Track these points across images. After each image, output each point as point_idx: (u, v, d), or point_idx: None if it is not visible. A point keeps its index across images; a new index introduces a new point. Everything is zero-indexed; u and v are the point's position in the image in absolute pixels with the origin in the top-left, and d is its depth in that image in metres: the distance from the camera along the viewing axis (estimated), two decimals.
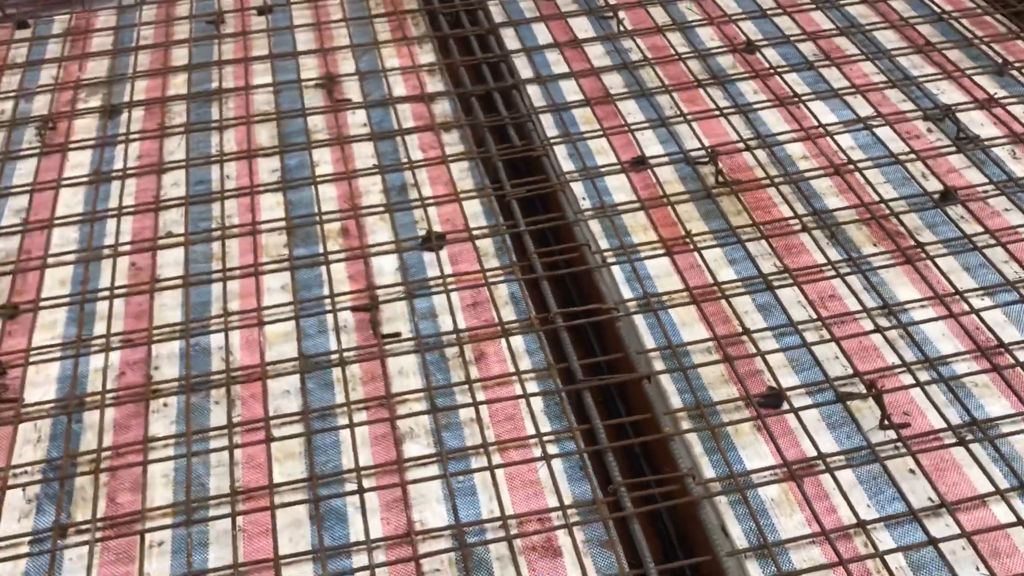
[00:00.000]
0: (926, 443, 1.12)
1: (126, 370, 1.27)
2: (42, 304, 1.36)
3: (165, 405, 1.23)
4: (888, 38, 1.77)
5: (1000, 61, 1.69)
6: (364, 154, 1.60)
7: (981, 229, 1.38)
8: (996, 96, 1.61)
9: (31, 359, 1.28)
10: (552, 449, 1.14)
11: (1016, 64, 1.68)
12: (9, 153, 1.63)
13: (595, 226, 1.44)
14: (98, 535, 1.08)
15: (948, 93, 1.64)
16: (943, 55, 1.72)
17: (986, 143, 1.53)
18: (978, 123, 1.58)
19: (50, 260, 1.43)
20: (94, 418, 1.21)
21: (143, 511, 1.10)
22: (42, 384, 1.26)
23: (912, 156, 1.51)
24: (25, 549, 1.08)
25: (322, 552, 1.05)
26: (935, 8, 1.83)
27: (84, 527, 1.09)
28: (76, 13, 1.99)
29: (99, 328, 1.32)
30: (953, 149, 1.52)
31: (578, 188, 1.50)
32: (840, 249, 1.37)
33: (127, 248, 1.44)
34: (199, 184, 1.55)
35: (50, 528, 1.09)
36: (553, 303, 1.31)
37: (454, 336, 1.28)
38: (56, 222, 1.49)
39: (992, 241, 1.36)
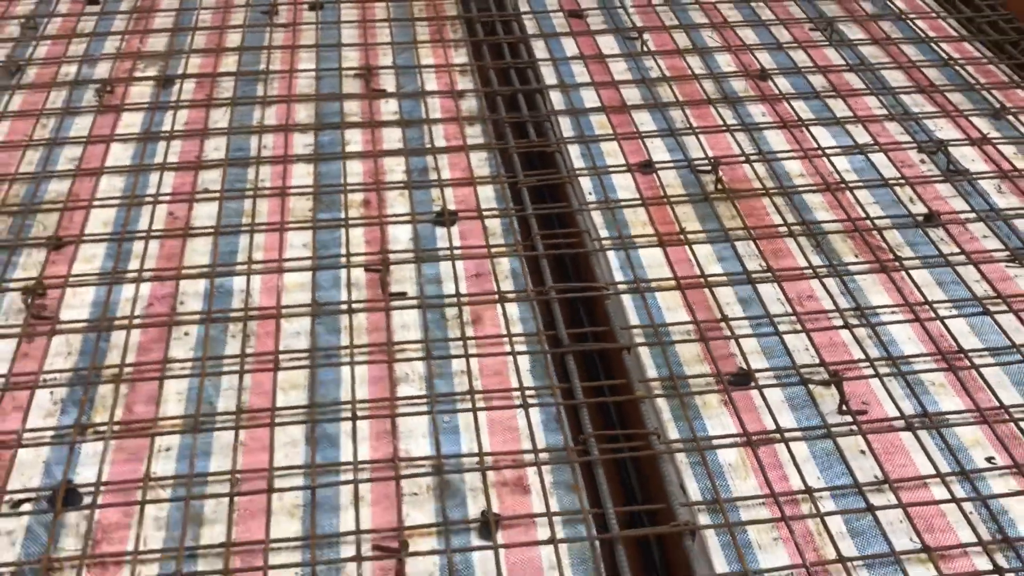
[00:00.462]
0: (879, 428, 1.21)
1: (154, 302, 1.39)
2: (84, 239, 1.49)
3: (186, 334, 1.34)
4: (895, 77, 1.88)
5: (998, 106, 1.78)
6: (392, 138, 1.72)
7: (958, 250, 1.47)
8: (989, 135, 1.71)
9: (69, 284, 1.41)
10: (533, 402, 1.24)
11: (1013, 109, 1.78)
12: (69, 108, 1.77)
13: (597, 217, 1.55)
14: (113, 438, 1.19)
15: (945, 130, 1.74)
16: (944, 96, 1.82)
17: (974, 176, 1.62)
18: (969, 158, 1.67)
19: (95, 203, 1.56)
20: (120, 339, 1.33)
21: (155, 418, 1.22)
22: (77, 307, 1.38)
23: (901, 181, 1.61)
24: (48, 443, 1.19)
25: (313, 468, 1.15)
26: (943, 54, 1.94)
27: (101, 428, 1.20)
28: None
29: (133, 264, 1.45)
30: (942, 179, 1.61)
31: (586, 183, 1.61)
32: (823, 256, 1.47)
33: (167, 199, 1.57)
34: (238, 151, 1.68)
35: (71, 426, 1.21)
36: (549, 278, 1.42)
37: (455, 299, 1.39)
38: (105, 171, 1.63)
39: (966, 261, 1.45)
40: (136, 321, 1.35)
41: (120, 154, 1.68)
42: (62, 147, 1.69)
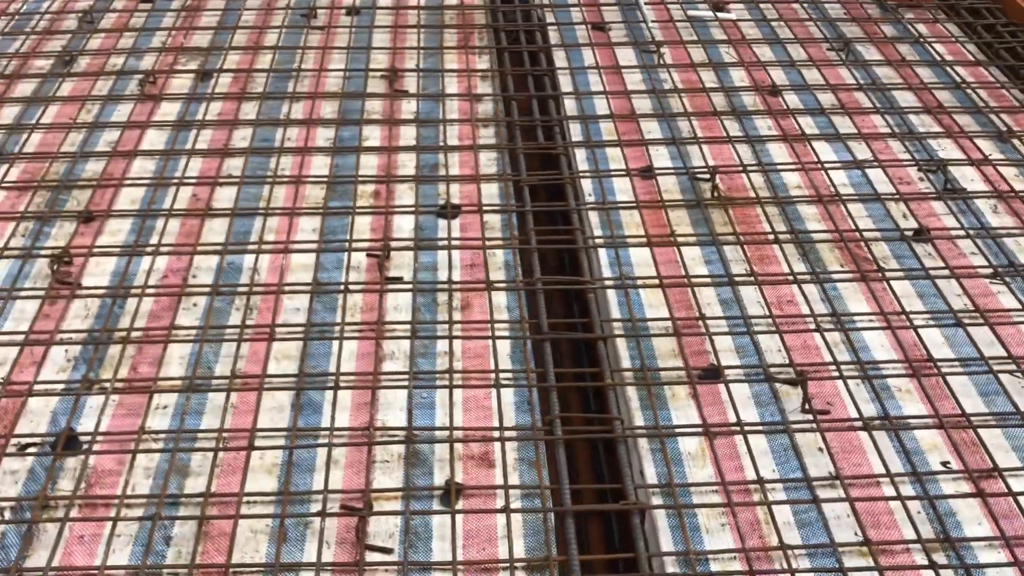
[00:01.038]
0: (839, 427, 1.25)
1: (169, 274, 1.49)
2: (112, 214, 1.60)
3: (194, 305, 1.44)
4: (905, 98, 1.91)
5: (1004, 129, 1.80)
6: (408, 135, 1.81)
7: (943, 265, 1.50)
8: (990, 156, 1.73)
9: (93, 254, 1.52)
10: (509, 385, 1.31)
11: (1020, 132, 1.79)
12: (111, 96, 1.90)
13: (593, 217, 1.61)
14: (115, 393, 1.29)
15: (948, 150, 1.77)
16: (952, 118, 1.84)
17: (971, 195, 1.65)
18: (969, 178, 1.70)
19: (126, 182, 1.67)
20: (133, 305, 1.43)
21: (156, 378, 1.31)
22: (98, 275, 1.49)
23: (896, 197, 1.64)
24: (57, 395, 1.29)
25: (294, 431, 1.24)
26: (956, 77, 1.96)
27: (106, 384, 1.30)
28: None
29: (154, 239, 1.55)
30: (936, 196, 1.64)
31: (587, 185, 1.68)
32: (808, 264, 1.51)
33: (192, 181, 1.68)
34: (263, 141, 1.79)
35: (79, 381, 1.31)
36: (538, 270, 1.49)
37: (447, 286, 1.46)
38: (138, 153, 1.74)
39: (949, 275, 1.48)
40: (149, 291, 1.45)
41: (155, 139, 1.79)
42: (102, 131, 1.81)
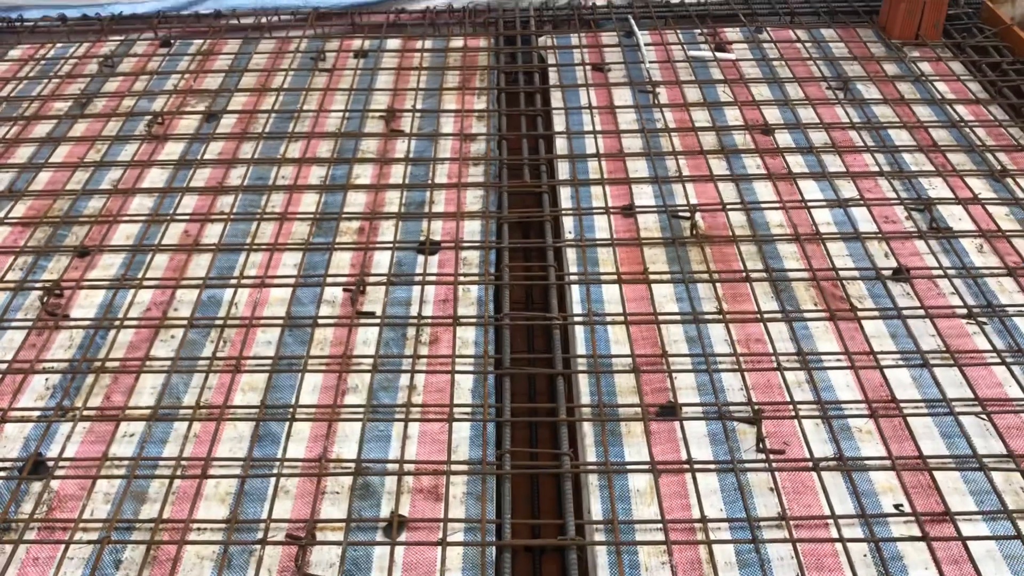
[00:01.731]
0: (792, 467, 1.23)
1: (152, 307, 1.54)
2: (104, 248, 1.66)
3: (172, 336, 1.49)
4: (900, 136, 1.89)
5: (999, 168, 1.77)
6: (398, 174, 1.85)
7: (918, 304, 1.48)
8: (981, 196, 1.70)
9: (82, 287, 1.58)
10: (465, 419, 1.32)
11: (1013, 171, 1.76)
12: (119, 136, 1.98)
13: (570, 254, 1.62)
14: (84, 421, 1.34)
15: (938, 189, 1.74)
16: (945, 157, 1.82)
17: (955, 234, 1.62)
18: (957, 217, 1.67)
19: (123, 218, 1.74)
20: (114, 336, 1.48)
21: (125, 406, 1.35)
22: (86, 307, 1.55)
23: (879, 236, 1.62)
24: (32, 421, 1.34)
25: (248, 461, 1.26)
26: (953, 115, 1.94)
27: (76, 410, 1.35)
28: (209, 40, 2.37)
29: (141, 273, 1.61)
30: (918, 235, 1.62)
31: (568, 222, 1.69)
32: (780, 303, 1.50)
33: (184, 218, 1.74)
34: (258, 179, 1.84)
35: (53, 408, 1.36)
36: (507, 306, 1.50)
37: (416, 321, 1.48)
38: (137, 191, 1.81)
39: (924, 315, 1.45)
40: (129, 322, 1.50)
41: (156, 177, 1.86)
42: (107, 169, 1.88)
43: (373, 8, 2.50)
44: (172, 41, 2.38)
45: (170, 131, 2.00)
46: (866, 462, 1.24)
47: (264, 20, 2.45)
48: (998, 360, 1.38)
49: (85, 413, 1.35)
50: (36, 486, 1.25)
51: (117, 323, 1.50)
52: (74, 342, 1.49)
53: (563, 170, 1.84)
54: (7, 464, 1.28)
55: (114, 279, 1.60)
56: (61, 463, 1.28)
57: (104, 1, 2.53)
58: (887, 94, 2.03)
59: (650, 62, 2.17)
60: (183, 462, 1.27)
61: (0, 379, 1.41)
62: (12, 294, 1.57)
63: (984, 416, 1.29)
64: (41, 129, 2.03)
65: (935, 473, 1.21)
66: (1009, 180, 1.75)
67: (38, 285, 1.59)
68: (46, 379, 1.42)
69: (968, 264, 1.56)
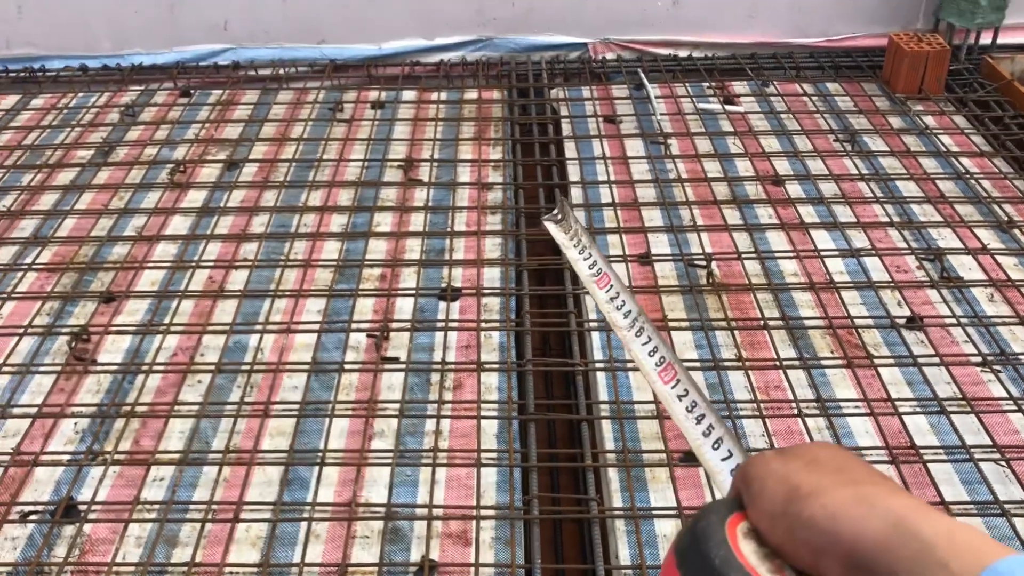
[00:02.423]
0: None
1: (178, 352, 1.57)
2: (130, 294, 1.69)
3: (199, 382, 1.51)
4: (908, 188, 1.94)
5: (1006, 220, 1.82)
6: (418, 222, 1.88)
7: (933, 352, 1.51)
8: (989, 246, 1.74)
9: (109, 332, 1.60)
10: (491, 464, 1.34)
11: (1019, 223, 1.81)
12: (142, 184, 2.01)
13: (589, 301, 1.65)
14: (115, 465, 1.35)
15: (947, 239, 1.78)
16: (953, 208, 1.86)
17: (966, 284, 1.66)
18: (967, 267, 1.71)
19: (148, 265, 1.77)
20: (142, 381, 1.50)
21: (155, 451, 1.37)
22: (113, 352, 1.57)
23: (891, 285, 1.66)
24: (63, 465, 1.36)
25: (278, 505, 1.28)
26: (959, 168, 1.99)
27: (107, 455, 1.37)
28: (228, 90, 2.42)
29: (167, 319, 1.63)
30: (930, 284, 1.66)
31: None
32: (797, 350, 1.53)
33: (209, 265, 1.77)
34: (280, 227, 1.88)
35: (83, 452, 1.37)
36: (529, 352, 1.53)
37: (440, 366, 1.51)
38: (161, 238, 1.84)
39: (939, 363, 1.48)
40: (157, 368, 1.52)
41: (179, 225, 1.90)
42: (131, 216, 1.92)
43: (388, 60, 2.56)
44: (192, 91, 2.43)
45: (192, 179, 2.04)
46: None
47: (282, 71, 2.51)
48: (1015, 407, 1.40)
49: (115, 457, 1.36)
50: (68, 530, 1.27)
51: (145, 368, 1.52)
52: (102, 387, 1.51)
53: (579, 219, 1.87)
54: (39, 508, 1.30)
55: (141, 324, 1.62)
56: (93, 507, 1.29)
57: (124, 52, 2.58)
58: (894, 146, 2.08)
59: (661, 114, 2.23)
60: (214, 506, 1.29)
61: (30, 424, 1.43)
62: (40, 339, 1.59)
63: (1003, 463, 1.31)
64: (65, 176, 2.07)
65: (958, 519, 1.23)
66: (1016, 231, 1.79)
67: (65, 330, 1.61)
68: (75, 423, 1.44)
69: (980, 313, 1.60)
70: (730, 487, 0.62)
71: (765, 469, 0.54)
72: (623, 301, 0.79)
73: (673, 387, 0.73)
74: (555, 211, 0.86)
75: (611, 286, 0.80)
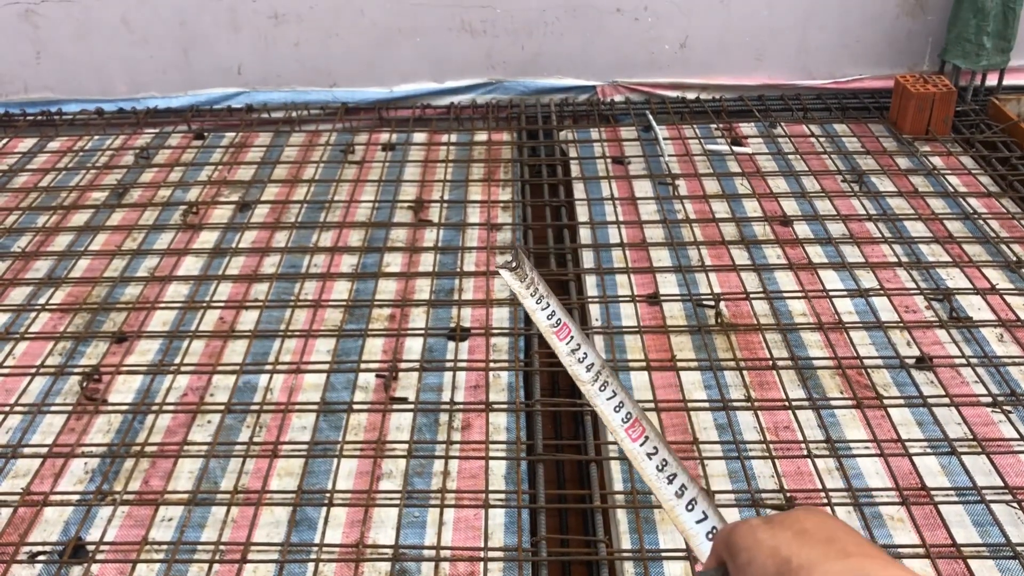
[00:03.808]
0: None
1: (188, 392, 1.58)
2: (142, 334, 1.70)
3: (209, 422, 1.51)
4: (916, 228, 1.94)
5: (1015, 259, 1.82)
6: (427, 262, 1.90)
7: (943, 393, 1.50)
8: (998, 286, 1.74)
9: (120, 372, 1.61)
10: (500, 507, 1.34)
11: None
12: (155, 225, 2.04)
13: (598, 341, 1.66)
14: (124, 505, 1.36)
15: (956, 279, 1.78)
16: (961, 248, 1.86)
17: (975, 324, 1.65)
18: (976, 307, 1.71)
19: (159, 305, 1.78)
20: (152, 421, 1.51)
21: (163, 491, 1.37)
22: (124, 392, 1.58)
23: (900, 325, 1.65)
24: (72, 504, 1.36)
25: (285, 546, 1.28)
26: (967, 208, 1.99)
27: (116, 495, 1.37)
28: (241, 132, 2.45)
29: (178, 359, 1.64)
30: (939, 324, 1.65)
31: (595, 310, 1.73)
32: (807, 391, 1.52)
33: (219, 305, 1.78)
34: (291, 267, 1.89)
35: (93, 492, 1.38)
36: (538, 392, 1.53)
37: (448, 407, 1.51)
38: (173, 278, 1.86)
39: (949, 403, 1.48)
40: (167, 407, 1.53)
41: (191, 265, 1.91)
42: (144, 257, 1.94)
43: (399, 103, 2.60)
44: (205, 134, 2.47)
45: (205, 220, 2.07)
46: (900, 550, 1.24)
47: (294, 114, 2.54)
48: None
49: (125, 497, 1.37)
50: (77, 570, 1.27)
51: (155, 408, 1.53)
52: (112, 426, 1.51)
53: (588, 259, 1.89)
54: (48, 548, 1.30)
55: (151, 364, 1.63)
56: (101, 547, 1.29)
57: (139, 95, 2.62)
58: (901, 187, 2.09)
59: (669, 155, 2.24)
60: (222, 546, 1.29)
61: (41, 463, 1.44)
62: (52, 379, 1.60)
63: (1015, 504, 1.30)
64: (79, 218, 2.09)
65: (970, 562, 1.22)
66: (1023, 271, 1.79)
67: (77, 370, 1.62)
68: (85, 463, 1.44)
69: (990, 353, 1.59)
70: (710, 554, 0.61)
71: (752, 539, 0.53)
72: (585, 353, 0.76)
73: (642, 445, 0.71)
74: (510, 259, 0.81)
75: (571, 337, 0.77)
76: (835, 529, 0.52)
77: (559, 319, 0.77)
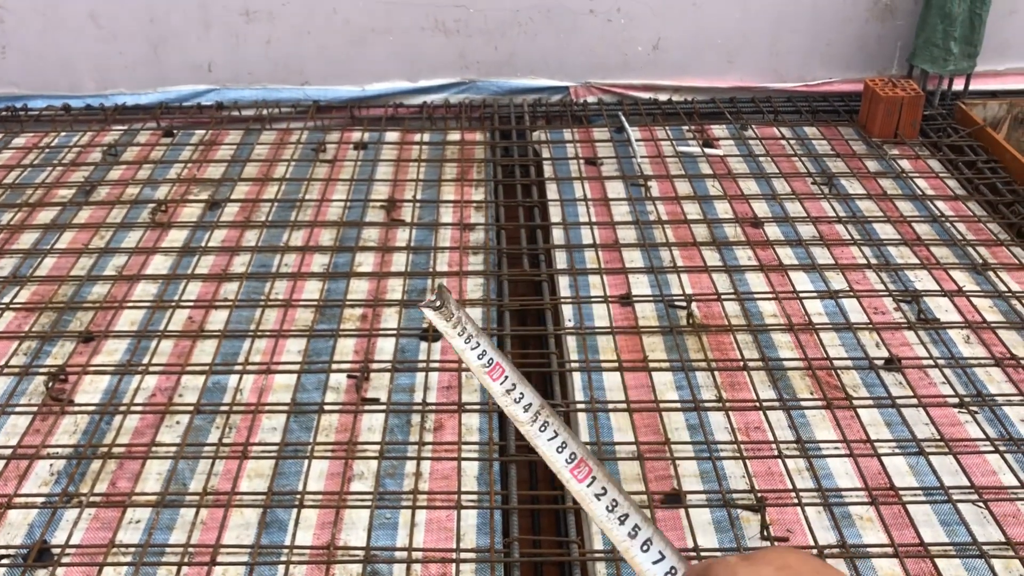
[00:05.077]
0: None
1: (157, 392, 1.56)
2: (109, 334, 1.68)
3: (178, 422, 1.49)
4: (884, 230, 1.96)
5: (980, 262, 1.84)
6: (400, 262, 1.89)
7: (911, 394, 1.52)
8: (964, 288, 1.76)
9: (87, 372, 1.59)
10: (472, 508, 1.33)
11: (995, 265, 1.83)
12: (123, 223, 2.01)
13: (571, 341, 1.66)
14: (90, 507, 1.34)
15: (924, 281, 1.80)
16: (929, 250, 1.89)
17: (943, 326, 1.67)
18: (943, 309, 1.73)
19: (127, 304, 1.76)
20: (119, 422, 1.49)
21: (131, 492, 1.36)
22: (90, 392, 1.56)
23: (869, 326, 1.67)
24: (37, 507, 1.34)
25: (256, 548, 1.27)
26: (935, 211, 2.01)
27: (83, 497, 1.35)
28: (211, 130, 2.43)
29: (146, 359, 1.62)
30: (908, 326, 1.67)
31: (568, 311, 1.73)
32: (777, 392, 1.53)
33: (189, 305, 1.76)
34: (261, 267, 1.88)
35: (58, 494, 1.35)
36: None
37: (420, 407, 1.51)
38: (141, 277, 1.83)
39: (917, 404, 1.49)
40: (136, 408, 1.51)
41: (159, 264, 1.89)
42: (111, 256, 1.91)
43: (371, 102, 2.58)
44: (175, 131, 2.44)
45: (174, 219, 2.04)
46: (868, 549, 1.26)
47: (265, 112, 2.52)
48: (991, 448, 1.41)
49: (91, 499, 1.35)
50: (42, 574, 1.25)
51: (123, 408, 1.51)
52: (79, 427, 1.49)
53: (561, 259, 1.89)
54: (11, 552, 1.28)
55: (119, 364, 1.61)
56: (67, 550, 1.27)
57: (107, 92, 2.59)
58: (870, 189, 2.11)
59: (641, 157, 2.25)
60: (191, 549, 1.27)
61: (4, 465, 1.41)
62: (17, 379, 1.58)
63: (981, 503, 1.32)
64: (45, 216, 2.06)
65: (937, 561, 1.23)
66: (991, 273, 1.82)
67: (43, 370, 1.60)
68: (51, 464, 1.42)
69: (956, 354, 1.61)
70: None
71: None
72: (521, 393, 0.72)
73: (589, 485, 0.68)
74: (434, 298, 0.75)
75: (506, 377, 0.73)
76: (820, 566, 0.51)
77: (491, 358, 0.73)
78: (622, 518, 0.66)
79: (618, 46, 2.54)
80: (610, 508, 0.67)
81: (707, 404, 1.50)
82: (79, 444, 1.45)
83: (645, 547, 0.65)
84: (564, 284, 1.81)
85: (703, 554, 1.25)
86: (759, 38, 2.53)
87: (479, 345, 0.74)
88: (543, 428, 0.70)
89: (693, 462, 1.40)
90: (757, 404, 1.50)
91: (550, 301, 1.75)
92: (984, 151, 2.25)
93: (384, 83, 2.58)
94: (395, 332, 1.68)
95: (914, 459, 1.40)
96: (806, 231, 1.96)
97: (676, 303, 1.74)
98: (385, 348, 1.65)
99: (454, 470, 1.40)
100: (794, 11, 2.50)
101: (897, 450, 1.42)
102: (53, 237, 1.97)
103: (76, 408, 1.52)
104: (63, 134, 2.43)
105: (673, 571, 0.66)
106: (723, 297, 1.75)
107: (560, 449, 0.70)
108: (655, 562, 0.65)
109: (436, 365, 1.60)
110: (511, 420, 0.72)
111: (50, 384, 1.55)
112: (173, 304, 1.76)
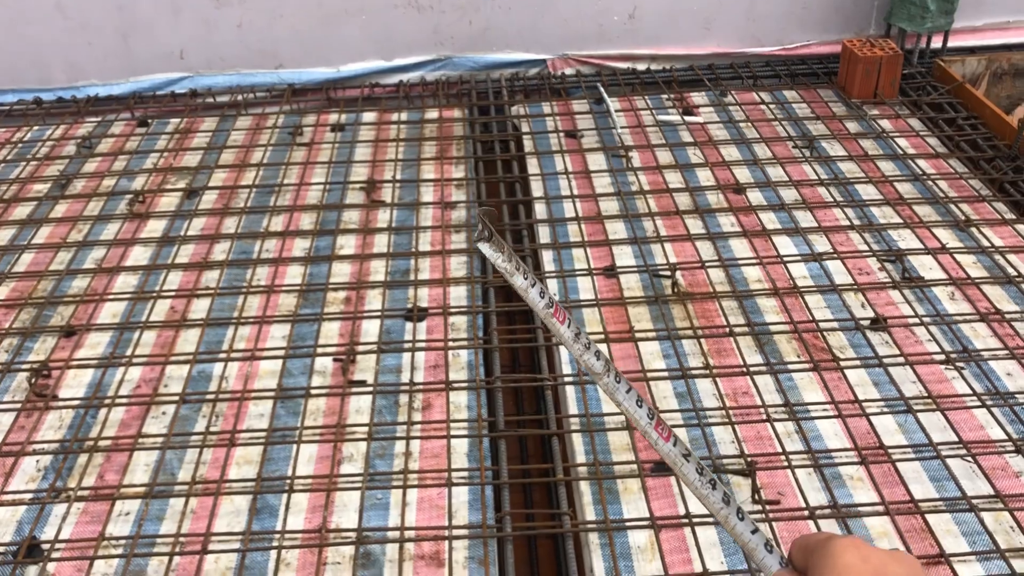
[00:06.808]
0: (788, 517, 1.25)
1: (142, 384, 1.54)
2: (91, 327, 1.66)
3: (163, 413, 1.48)
4: (867, 191, 1.96)
5: (963, 218, 1.84)
6: (381, 243, 1.87)
7: (898, 352, 1.52)
8: (948, 246, 1.76)
9: (70, 366, 1.57)
10: (463, 484, 1.33)
11: (977, 221, 1.83)
12: (101, 215, 1.99)
13: None
14: (79, 501, 1.33)
15: (907, 240, 1.80)
16: (912, 209, 1.88)
17: (928, 283, 1.67)
18: (927, 267, 1.73)
19: (108, 297, 1.74)
20: (105, 415, 1.47)
21: (119, 485, 1.35)
22: (74, 387, 1.55)
23: (855, 287, 1.67)
24: (25, 504, 1.33)
25: (247, 535, 1.26)
26: (917, 170, 2.01)
27: (71, 491, 1.34)
28: (186, 118, 2.40)
29: (129, 351, 1.61)
30: (892, 286, 1.67)
31: (553, 285, 1.73)
32: (764, 356, 1.53)
33: (170, 294, 1.74)
34: (242, 253, 1.86)
35: (46, 490, 1.34)
36: (498, 369, 1.52)
37: (408, 387, 1.50)
38: (121, 269, 1.82)
39: (904, 363, 1.49)
40: (120, 400, 1.50)
41: (139, 255, 1.87)
42: (90, 248, 1.89)
43: (347, 83, 2.56)
44: (149, 121, 2.41)
45: (152, 209, 2.02)
46: (859, 508, 1.26)
47: (240, 98, 2.50)
48: (978, 403, 1.41)
49: (79, 493, 1.34)
50: (32, 570, 1.24)
51: (108, 401, 1.50)
52: (64, 422, 1.48)
53: (544, 234, 1.88)
54: (1, 549, 1.27)
55: (102, 357, 1.60)
56: (57, 545, 1.26)
57: (79, 83, 2.56)
58: (851, 151, 2.10)
59: (621, 127, 2.24)
60: (181, 538, 1.26)
61: None
62: (0, 377, 1.56)
63: (970, 458, 1.32)
64: (21, 211, 2.04)
65: (928, 516, 1.24)
66: (973, 229, 1.82)
67: (25, 366, 1.58)
68: (37, 460, 1.41)
69: (942, 311, 1.61)
70: (787, 561, 0.64)
71: (858, 555, 0.59)
72: (588, 340, 0.66)
73: (675, 445, 0.66)
74: (481, 228, 0.65)
75: (569, 321, 0.65)
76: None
77: (551, 298, 0.66)
78: (712, 482, 0.65)
79: (593, 16, 2.52)
80: (700, 471, 0.65)
81: (694, 371, 1.50)
82: (65, 439, 1.44)
83: (740, 515, 0.64)
84: (548, 258, 1.81)
85: (695, 521, 1.25)
86: (735, 3, 2.52)
87: (536, 282, 0.66)
88: (619, 380, 0.66)
89: (682, 429, 1.40)
90: (744, 369, 1.50)
91: (535, 276, 1.74)
92: (964, 108, 2.24)
93: (359, 63, 2.55)
94: (379, 314, 1.67)
95: (902, 417, 1.40)
96: (788, 195, 1.95)
97: (660, 272, 1.73)
98: (370, 330, 1.64)
99: (444, 448, 1.39)
100: None
101: (885, 409, 1.42)
102: (30, 232, 1.95)
103: (61, 403, 1.51)
104: (36, 128, 2.40)
105: (769, 544, 0.65)
106: (707, 264, 1.75)
107: (640, 403, 0.66)
108: (753, 531, 0.64)
109: (422, 345, 1.59)
110: (586, 370, 0.67)
111: (33, 380, 1.53)
112: (154, 295, 1.74)
